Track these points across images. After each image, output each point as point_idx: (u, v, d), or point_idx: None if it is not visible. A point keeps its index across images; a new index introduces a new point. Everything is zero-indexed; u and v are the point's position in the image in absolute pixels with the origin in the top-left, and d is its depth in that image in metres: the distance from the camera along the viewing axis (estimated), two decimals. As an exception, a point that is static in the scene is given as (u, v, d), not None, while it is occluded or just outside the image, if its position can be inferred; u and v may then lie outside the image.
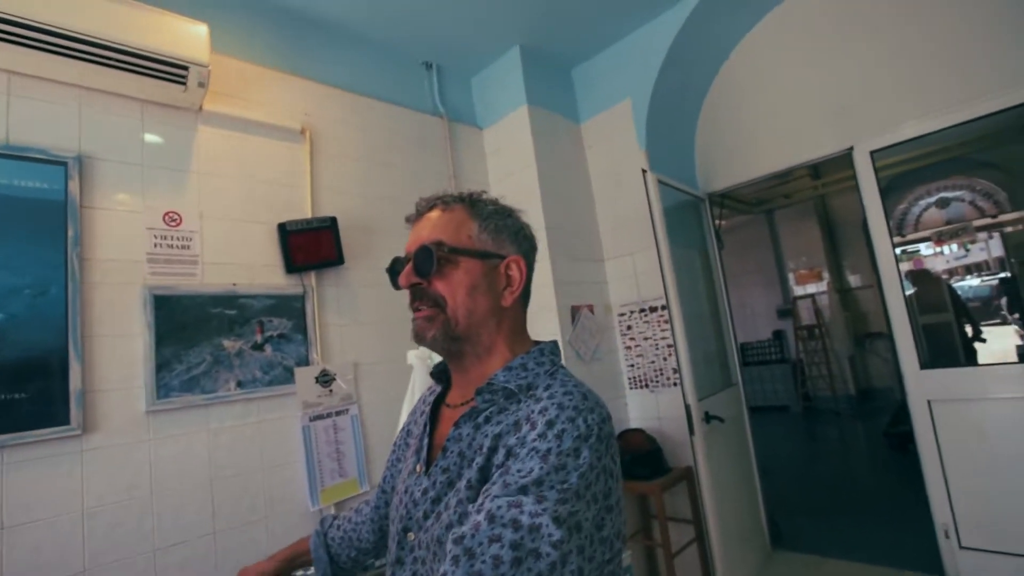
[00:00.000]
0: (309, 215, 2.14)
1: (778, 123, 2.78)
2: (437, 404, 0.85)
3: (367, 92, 2.49)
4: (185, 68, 1.72)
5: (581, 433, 0.61)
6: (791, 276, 7.36)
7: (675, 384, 2.60)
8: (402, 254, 0.80)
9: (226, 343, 1.87)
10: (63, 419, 1.54)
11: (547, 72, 2.90)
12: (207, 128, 1.98)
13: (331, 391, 2.08)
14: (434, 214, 0.78)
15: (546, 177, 2.69)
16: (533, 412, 0.64)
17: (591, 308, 2.71)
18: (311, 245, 2.09)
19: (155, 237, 1.80)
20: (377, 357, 2.24)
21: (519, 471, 0.59)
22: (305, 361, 2.04)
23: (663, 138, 2.79)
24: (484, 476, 0.65)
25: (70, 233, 1.63)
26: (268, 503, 1.87)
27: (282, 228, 2.05)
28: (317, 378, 2.05)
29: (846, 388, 6.74)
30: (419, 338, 0.76)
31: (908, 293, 2.41)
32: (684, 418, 2.43)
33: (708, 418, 2.47)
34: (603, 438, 0.62)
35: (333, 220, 2.15)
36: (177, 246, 1.84)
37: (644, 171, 2.51)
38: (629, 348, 2.79)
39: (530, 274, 0.79)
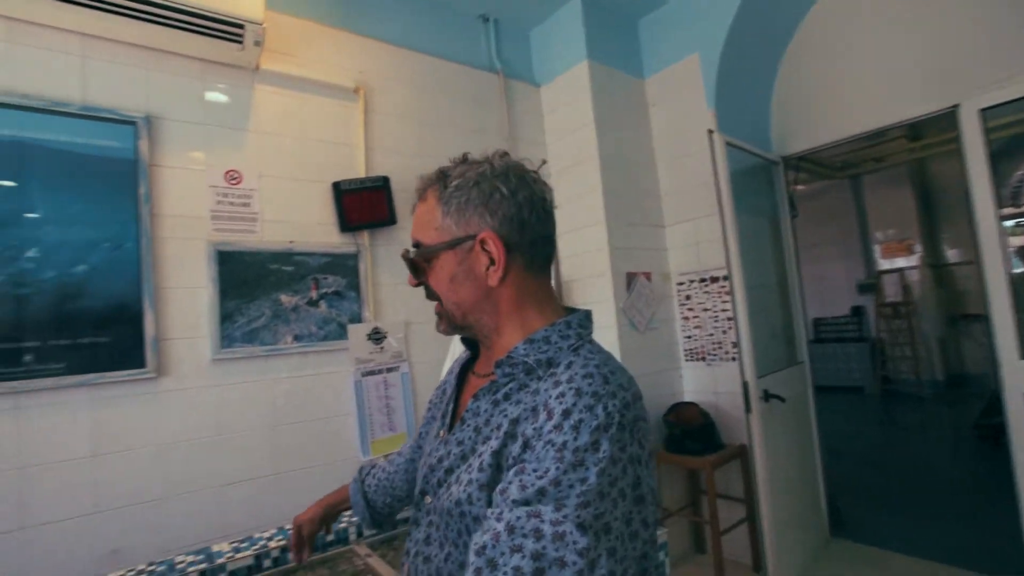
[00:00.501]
0: (362, 175, 2.18)
1: (871, 78, 2.51)
2: (465, 370, 0.84)
3: (422, 48, 2.47)
4: (241, 26, 1.75)
5: (600, 423, 0.57)
6: (876, 248, 6.81)
7: (733, 359, 2.51)
8: None
9: (284, 298, 1.96)
10: (140, 363, 1.68)
11: (610, 24, 2.76)
12: (264, 87, 2.02)
13: (382, 348, 2.14)
14: (418, 207, 0.76)
15: (605, 137, 2.60)
16: (551, 398, 0.61)
17: (648, 276, 2.65)
18: (364, 205, 2.13)
19: (217, 195, 1.88)
20: (427, 317, 2.27)
21: (535, 471, 0.56)
22: (358, 318, 2.10)
23: (734, 96, 2.63)
24: (498, 462, 0.63)
25: (141, 190, 1.73)
26: (323, 451, 1.98)
27: (336, 187, 2.09)
28: (369, 335, 2.11)
29: (932, 372, 6.25)
30: (439, 331, 0.78)
31: (1016, 272, 2.16)
32: (741, 394, 2.35)
33: (767, 396, 2.37)
34: (625, 425, 0.58)
35: (385, 180, 2.19)
36: (238, 203, 1.92)
37: (711, 132, 2.38)
38: (687, 319, 2.71)
39: (523, 236, 0.70)
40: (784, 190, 2.87)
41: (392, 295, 2.21)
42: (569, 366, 0.64)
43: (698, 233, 2.66)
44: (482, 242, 0.70)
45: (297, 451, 1.93)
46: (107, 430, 1.62)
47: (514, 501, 0.55)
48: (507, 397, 0.68)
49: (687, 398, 2.70)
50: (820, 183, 6.65)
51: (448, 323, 0.75)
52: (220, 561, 1.47)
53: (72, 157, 1.64)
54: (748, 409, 2.31)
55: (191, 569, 1.42)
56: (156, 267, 1.74)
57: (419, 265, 0.74)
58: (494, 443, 0.64)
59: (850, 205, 6.94)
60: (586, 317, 0.73)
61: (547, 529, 0.52)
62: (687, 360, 2.72)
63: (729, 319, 2.52)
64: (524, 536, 0.53)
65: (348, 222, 2.09)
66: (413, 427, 2.17)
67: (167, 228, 1.78)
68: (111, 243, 1.68)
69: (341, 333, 2.06)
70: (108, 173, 1.69)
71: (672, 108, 2.75)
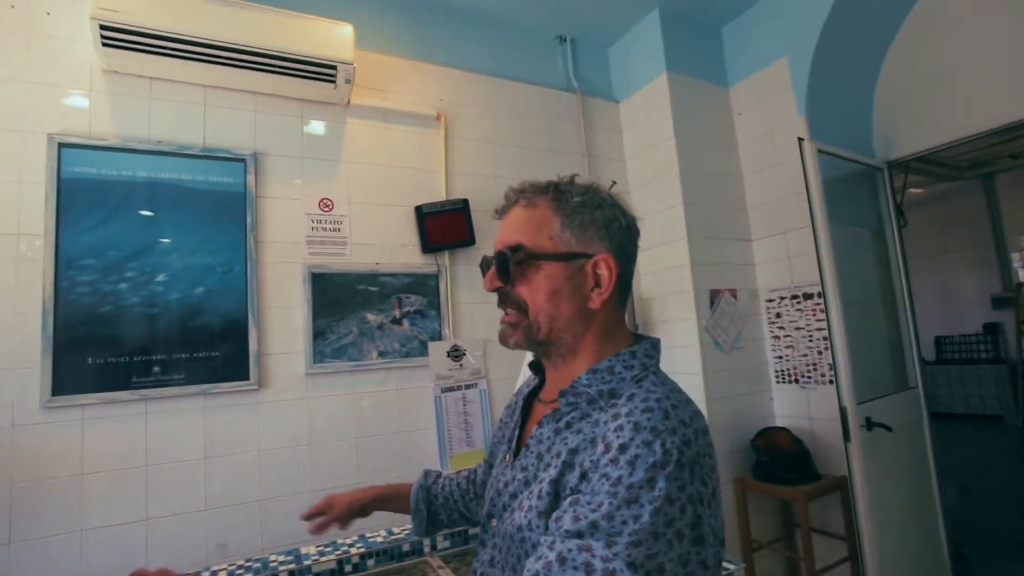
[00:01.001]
0: (443, 197, 2.26)
1: (1000, 68, 2.26)
2: (532, 395, 0.85)
3: (499, 73, 2.52)
4: (334, 67, 1.91)
5: (657, 460, 0.56)
6: (1015, 256, 6.02)
7: (830, 382, 2.34)
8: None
9: (369, 317, 2.06)
10: (245, 375, 1.83)
11: (691, 34, 2.70)
12: (354, 120, 2.15)
13: (461, 365, 2.19)
14: (517, 211, 0.76)
15: (686, 149, 2.54)
16: (609, 430, 0.60)
17: (733, 292, 2.56)
18: (445, 226, 2.20)
19: (312, 221, 2.02)
20: None
21: (589, 503, 0.56)
22: (438, 336, 2.16)
23: (828, 101, 2.48)
24: (556, 490, 0.63)
25: (248, 220, 1.90)
26: (403, 463, 2.05)
27: (419, 211, 2.18)
28: (449, 352, 2.17)
29: (1092, 401, 5.40)
30: (503, 342, 0.75)
31: None
32: (839, 420, 2.18)
33: (870, 425, 2.18)
34: (685, 463, 0.56)
35: (465, 202, 2.25)
36: (330, 229, 2.05)
37: (801, 140, 2.26)
38: (777, 338, 2.59)
39: (627, 268, 0.74)
40: (889, 197, 2.64)
41: (470, 314, 2.26)
42: (630, 398, 0.64)
43: (789, 247, 2.52)
44: (596, 263, 0.71)
45: (380, 461, 2.00)
46: (217, 435, 1.77)
47: (567, 532, 0.55)
48: (568, 426, 0.69)
49: (778, 423, 2.56)
50: (941, 185, 6.00)
51: (526, 335, 0.73)
52: (307, 563, 1.58)
53: (194, 193, 1.83)
54: (847, 438, 2.15)
55: (282, 568, 1.55)
56: (259, 289, 1.89)
57: (519, 265, 0.72)
58: (553, 471, 0.64)
59: (980, 208, 6.19)
60: (652, 347, 0.73)
61: (598, 565, 0.52)
62: (778, 382, 2.59)
63: (825, 339, 2.37)
64: (575, 569, 0.52)
65: (430, 243, 2.16)
66: (490, 441, 2.21)
67: (268, 253, 1.93)
68: (223, 268, 1.85)
69: (422, 350, 2.12)
70: (222, 205, 1.87)
71: (759, 116, 2.65)
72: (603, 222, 0.73)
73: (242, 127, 1.95)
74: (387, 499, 1.03)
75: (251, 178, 1.92)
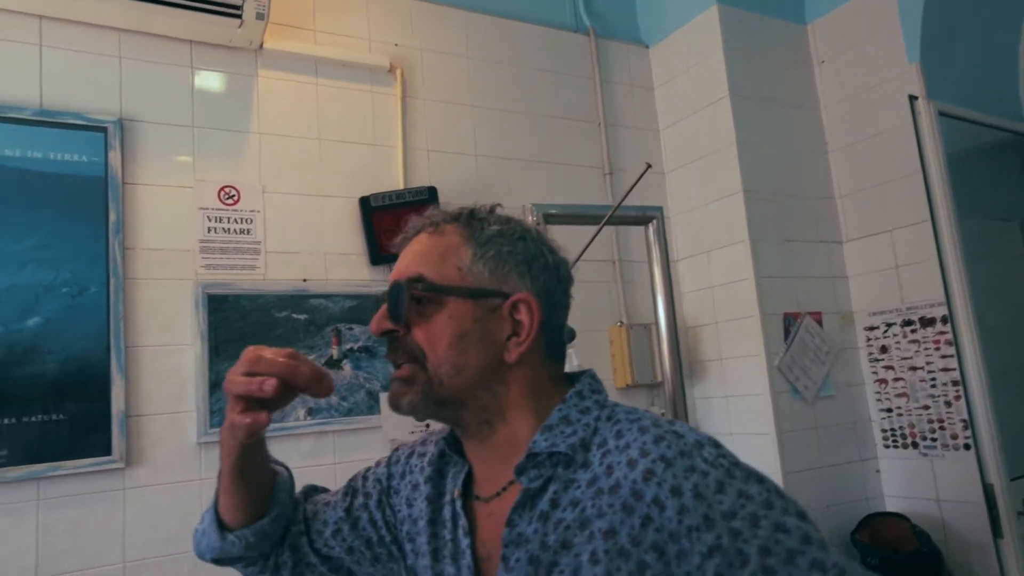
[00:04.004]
0: (400, 185, 2.19)
1: None
2: (464, 495, 0.85)
3: (479, 6, 2.48)
4: (238, -6, 1.83)
5: (717, 476, 0.65)
6: None
7: (967, 447, 2.24)
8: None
9: None
10: (104, 448, 1.71)
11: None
12: (269, 73, 2.10)
13: (428, 425, 2.07)
14: (420, 239, 0.81)
15: (746, 113, 2.47)
16: (636, 482, 0.67)
17: (817, 317, 2.50)
18: (403, 226, 2.08)
19: (208, 219, 1.95)
20: None
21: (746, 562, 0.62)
22: None
23: (953, 43, 2.44)
24: None
25: (111, 217, 1.80)
26: None
27: (365, 204, 2.11)
28: None
29: None
30: (394, 406, 0.78)
31: None
32: (983, 505, 2.11)
33: (1030, 511, 2.12)
34: (740, 464, 0.68)
35: (431, 191, 2.18)
36: (235, 230, 1.97)
37: (914, 99, 2.23)
38: (883, 382, 2.50)
39: (553, 317, 0.81)
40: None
41: None
42: (619, 435, 0.73)
43: (897, 251, 2.44)
44: (514, 305, 0.77)
45: None
46: (57, 541, 1.63)
47: None
48: (555, 505, 0.72)
49: (890, 507, 2.46)
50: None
51: (423, 394, 0.76)
52: None
53: (24, 176, 1.74)
54: (997, 532, 2.08)
55: None
56: (128, 318, 1.79)
57: (416, 301, 0.76)
58: (599, 570, 0.66)
59: None
60: (592, 377, 0.83)
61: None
62: (887, 446, 2.51)
63: (956, 383, 2.27)
64: None
65: (381, 251, 2.09)
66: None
67: (143, 266, 1.84)
68: (71, 288, 1.75)
69: (372, 405, 2.06)
70: (70, 196, 1.78)
71: (852, 66, 2.57)
72: (524, 257, 0.79)
73: (101, 80, 1.86)
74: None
75: (115, 155, 1.82)
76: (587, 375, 0.83)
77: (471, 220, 0.81)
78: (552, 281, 0.81)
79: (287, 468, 0.96)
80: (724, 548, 0.63)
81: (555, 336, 0.82)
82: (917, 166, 2.23)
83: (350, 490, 0.97)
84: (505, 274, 0.78)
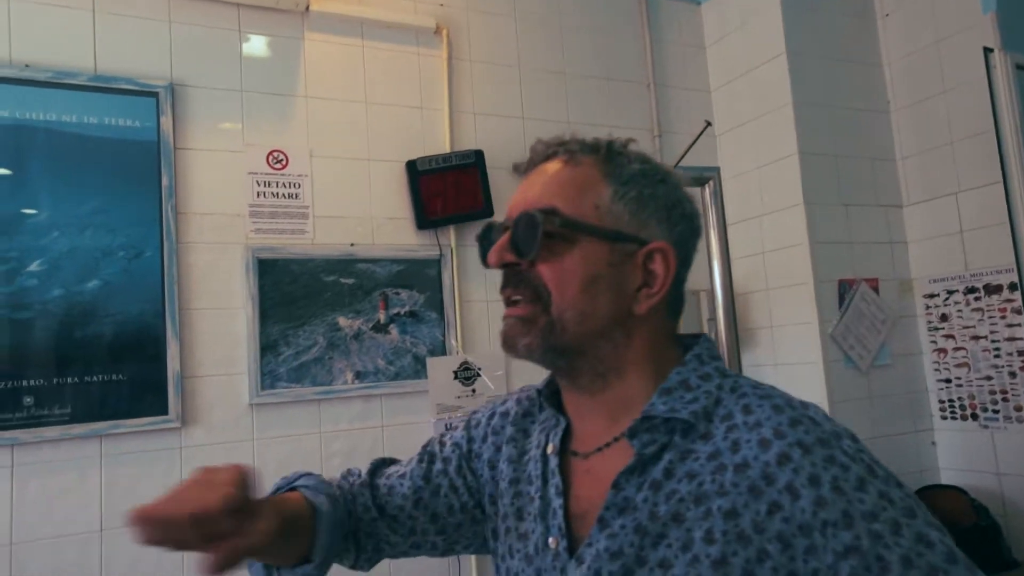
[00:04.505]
0: (447, 149, 2.18)
1: None
2: (562, 449, 0.81)
3: None
4: (283, -47, 1.80)
5: (859, 474, 0.62)
6: None
7: None
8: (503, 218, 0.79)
9: (342, 321, 2.00)
10: (161, 408, 1.76)
11: None
12: (316, 36, 2.09)
13: (474, 391, 2.14)
14: (552, 166, 0.76)
15: (804, 71, 2.43)
16: (770, 465, 0.63)
17: (874, 284, 2.47)
18: (449, 190, 2.14)
19: (257, 184, 1.96)
20: None
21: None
22: (441, 349, 2.11)
23: None
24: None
25: (164, 182, 1.82)
26: None
27: (412, 168, 2.09)
28: (456, 372, 2.11)
29: None
30: (508, 346, 0.74)
31: None
32: None
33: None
34: (882, 465, 0.65)
35: (478, 155, 2.17)
36: (283, 195, 1.98)
37: (989, 51, 2.17)
38: (943, 351, 2.47)
39: (683, 272, 0.77)
40: None
41: (487, 316, 2.20)
42: (747, 411, 0.68)
43: (962, 215, 2.39)
44: (649, 254, 0.72)
45: None
46: (120, 496, 1.68)
47: None
48: (669, 475, 0.69)
49: (946, 480, 2.44)
50: None
51: (543, 338, 0.72)
52: None
53: (82, 142, 1.76)
54: None
55: None
56: (182, 282, 1.81)
57: (549, 236, 0.71)
58: (708, 549, 0.63)
59: None
60: (709, 341, 0.79)
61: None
62: (944, 418, 2.49)
63: (1021, 353, 2.24)
64: None
65: (428, 215, 2.10)
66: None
67: (195, 230, 1.86)
68: (128, 251, 1.78)
69: (418, 370, 2.08)
70: (124, 161, 1.81)
71: (919, 17, 2.50)
72: (665, 201, 0.75)
73: (151, 46, 1.87)
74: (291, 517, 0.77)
75: (166, 121, 1.83)
76: (704, 339, 0.78)
77: (611, 154, 0.76)
78: (688, 232, 0.77)
79: (331, 493, 0.81)
80: (863, 550, 0.60)
81: (680, 292, 0.78)
82: (989, 124, 2.19)
83: (426, 455, 0.94)
84: (645, 219, 0.73)
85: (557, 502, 0.77)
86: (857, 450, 0.64)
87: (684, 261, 0.76)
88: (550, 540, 0.75)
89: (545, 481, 0.80)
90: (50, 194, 1.70)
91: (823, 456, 0.62)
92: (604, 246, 0.72)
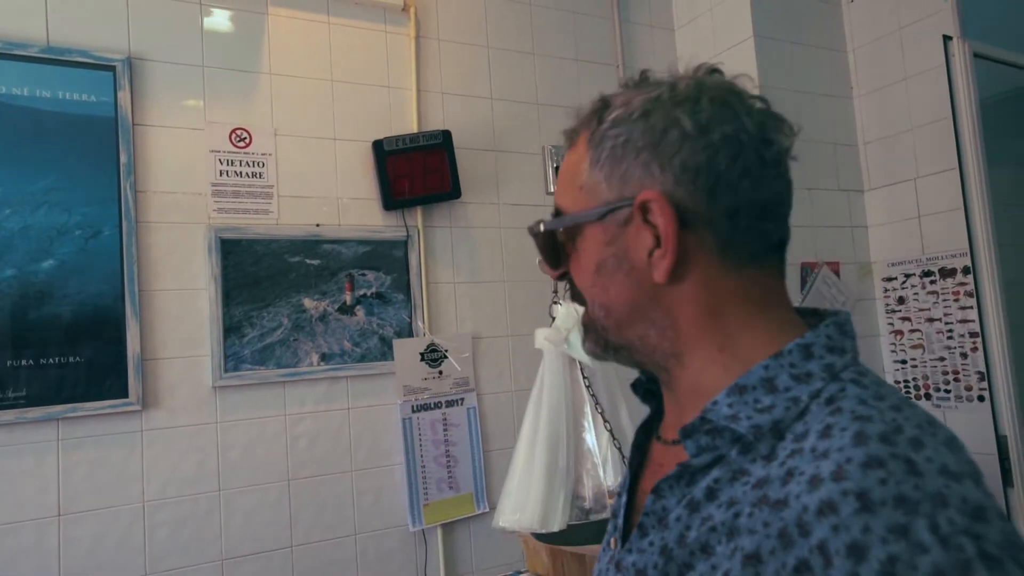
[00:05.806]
0: (414, 129, 2.16)
1: None
2: (648, 429, 0.76)
3: None
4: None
5: (938, 564, 0.41)
6: None
7: (980, 399, 2.25)
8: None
9: (308, 303, 1.98)
10: (121, 391, 1.72)
11: None
12: (279, 11, 2.02)
13: (441, 372, 2.13)
14: (566, 157, 0.69)
15: (771, 56, 2.43)
16: (807, 511, 0.46)
17: (835, 267, 2.49)
18: (416, 171, 2.12)
19: (220, 162, 1.91)
20: (505, 329, 2.24)
21: None
22: (408, 331, 2.10)
23: None
24: None
25: (122, 159, 1.76)
26: (358, 516, 1.96)
27: (378, 148, 2.08)
28: (423, 354, 2.10)
29: None
30: (589, 353, 0.72)
31: None
32: (995, 457, 2.12)
33: (1043, 461, 2.12)
34: (994, 555, 0.41)
35: (446, 135, 2.14)
36: (247, 173, 1.94)
37: (948, 39, 2.19)
38: (899, 333, 2.50)
39: (728, 200, 0.58)
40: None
41: (454, 298, 2.19)
42: (825, 433, 0.50)
43: (920, 200, 2.42)
44: (644, 209, 0.59)
45: (324, 515, 1.92)
46: (77, 482, 1.66)
47: None
48: (712, 496, 0.55)
49: None
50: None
51: (595, 340, 0.68)
52: None
53: (36, 116, 1.69)
54: (1008, 482, 2.10)
55: None
56: (141, 262, 1.78)
57: (558, 245, 0.68)
58: None
59: None
60: (839, 329, 0.59)
61: None
62: None
63: (974, 335, 2.27)
64: None
65: (394, 196, 2.07)
66: (483, 484, 2.12)
67: (155, 209, 1.82)
68: (84, 231, 1.73)
69: (385, 351, 2.06)
70: (81, 137, 1.74)
71: (883, 4, 2.49)
72: (647, 139, 0.59)
73: (108, 17, 1.81)
74: None
75: (124, 96, 1.78)
76: (830, 321, 0.59)
77: (601, 111, 0.64)
78: (698, 153, 0.58)
79: None
80: None
81: (741, 224, 0.59)
82: (946, 111, 2.21)
83: None
84: (624, 173, 0.61)
85: (621, 500, 0.72)
86: (962, 531, 0.42)
87: (711, 187, 0.58)
88: (611, 540, 0.70)
89: (631, 462, 0.75)
90: (1, 171, 1.63)
91: (889, 523, 0.43)
92: (596, 227, 0.63)
